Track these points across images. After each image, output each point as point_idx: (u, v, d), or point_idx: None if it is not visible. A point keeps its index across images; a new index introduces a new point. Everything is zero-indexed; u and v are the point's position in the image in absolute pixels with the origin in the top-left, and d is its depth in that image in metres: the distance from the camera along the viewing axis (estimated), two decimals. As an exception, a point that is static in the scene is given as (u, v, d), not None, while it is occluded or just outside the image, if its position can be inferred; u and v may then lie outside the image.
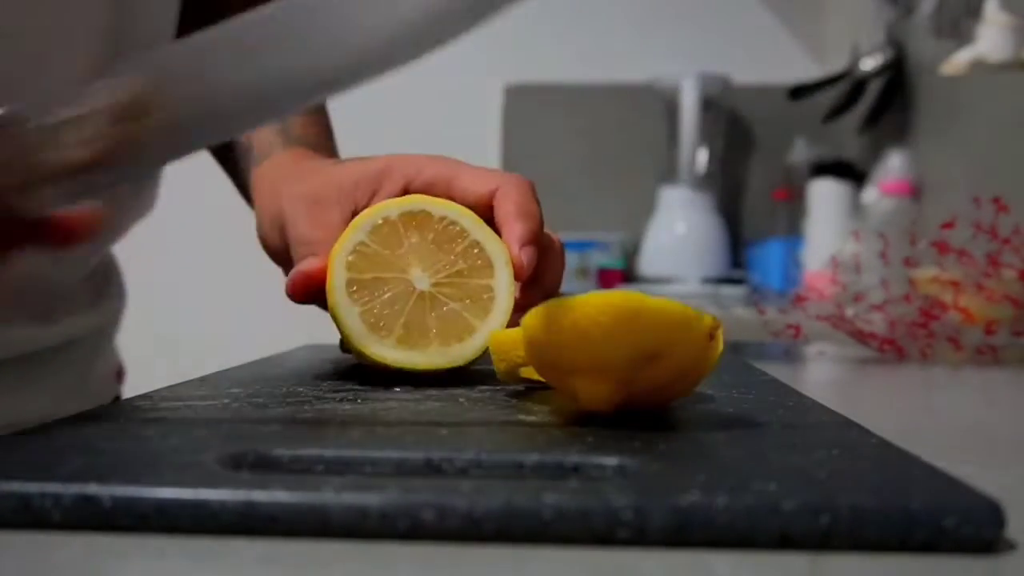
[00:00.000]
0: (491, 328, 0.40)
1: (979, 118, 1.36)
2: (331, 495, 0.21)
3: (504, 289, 0.41)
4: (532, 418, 0.31)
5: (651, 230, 1.94)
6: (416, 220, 0.41)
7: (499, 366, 0.37)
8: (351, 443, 0.27)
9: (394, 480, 0.23)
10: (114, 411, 0.32)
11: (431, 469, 0.25)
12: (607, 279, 1.93)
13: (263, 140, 0.56)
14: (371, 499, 0.21)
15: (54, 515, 0.21)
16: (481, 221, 0.42)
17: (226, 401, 0.34)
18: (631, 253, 2.00)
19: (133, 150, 0.33)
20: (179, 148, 0.33)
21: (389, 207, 0.41)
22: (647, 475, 0.24)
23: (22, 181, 0.32)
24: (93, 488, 0.21)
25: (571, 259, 1.95)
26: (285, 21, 0.30)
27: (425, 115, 2.11)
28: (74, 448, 0.26)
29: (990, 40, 1.06)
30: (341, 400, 0.35)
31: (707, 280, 1.86)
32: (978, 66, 1.07)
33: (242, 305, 2.06)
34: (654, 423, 0.30)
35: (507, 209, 0.43)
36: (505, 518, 0.21)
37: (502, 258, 0.41)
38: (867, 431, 0.30)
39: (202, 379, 0.41)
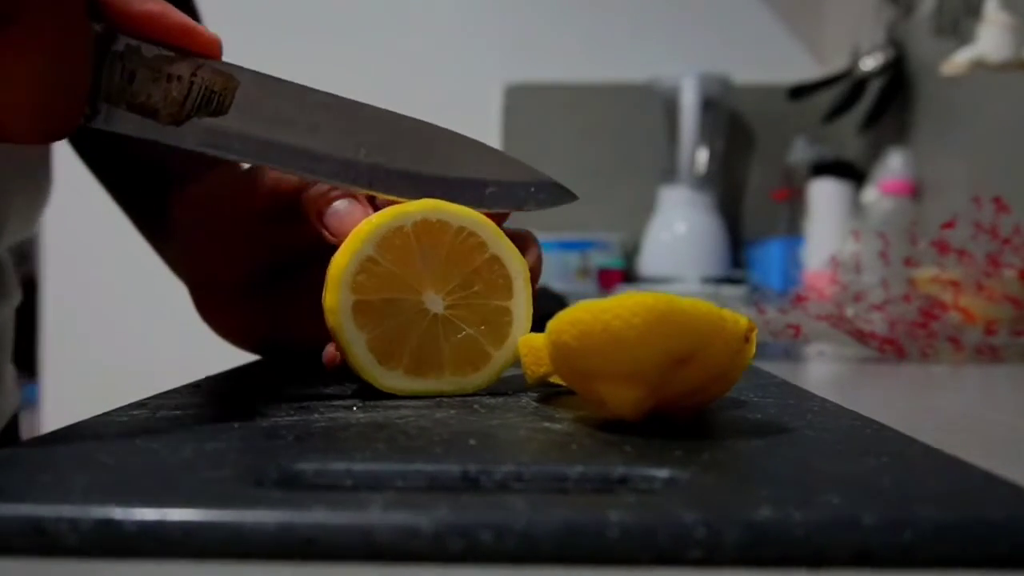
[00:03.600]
0: (506, 358, 0.38)
1: (979, 118, 1.36)
2: (377, 514, 0.20)
3: (522, 310, 0.38)
4: (558, 426, 0.30)
5: (651, 230, 1.94)
6: (431, 231, 0.37)
7: (536, 370, 0.36)
8: (377, 455, 0.25)
9: (436, 496, 0.21)
10: (112, 422, 0.30)
11: (468, 483, 0.24)
12: (607, 279, 1.93)
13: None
14: (422, 519, 0.20)
15: (70, 540, 0.20)
16: (501, 232, 0.38)
17: (228, 409, 0.33)
18: (631, 253, 2.00)
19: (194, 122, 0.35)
20: (221, 147, 0.36)
21: (402, 214, 0.37)
22: (704, 488, 0.22)
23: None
24: (114, 511, 0.20)
25: (571, 259, 1.95)
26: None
27: (425, 115, 2.10)
28: (78, 464, 0.24)
29: (990, 40, 1.06)
30: (350, 407, 0.34)
31: (707, 280, 1.86)
32: (978, 66, 1.07)
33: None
34: (686, 431, 0.29)
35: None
36: (566, 537, 0.19)
37: (521, 276, 0.39)
38: (906, 436, 0.28)
39: (196, 384, 0.39)
